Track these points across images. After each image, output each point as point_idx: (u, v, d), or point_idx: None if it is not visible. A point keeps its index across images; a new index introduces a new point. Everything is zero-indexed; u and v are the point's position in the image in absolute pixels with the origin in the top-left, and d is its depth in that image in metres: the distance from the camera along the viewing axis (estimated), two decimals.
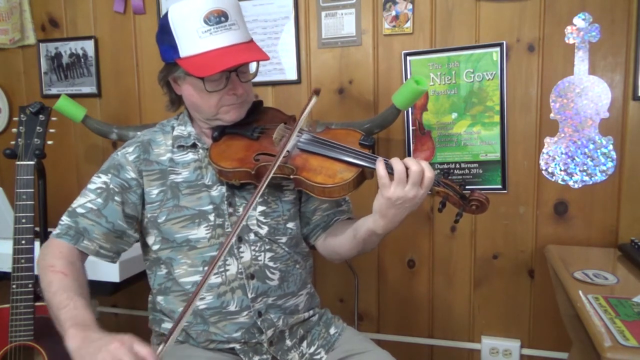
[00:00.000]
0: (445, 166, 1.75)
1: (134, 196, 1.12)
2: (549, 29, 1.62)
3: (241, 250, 1.13)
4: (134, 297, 2.07)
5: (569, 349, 1.63)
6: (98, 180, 1.13)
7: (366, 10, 1.76)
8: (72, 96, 1.90)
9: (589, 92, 1.60)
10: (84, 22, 2.07)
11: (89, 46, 2.06)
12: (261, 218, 1.16)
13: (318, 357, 1.19)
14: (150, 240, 1.15)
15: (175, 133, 1.18)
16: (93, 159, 2.14)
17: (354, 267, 1.87)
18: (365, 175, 1.04)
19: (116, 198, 1.10)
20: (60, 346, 1.33)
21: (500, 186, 1.71)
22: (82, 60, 2.08)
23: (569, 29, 1.60)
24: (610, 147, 1.60)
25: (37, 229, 1.47)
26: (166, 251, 1.14)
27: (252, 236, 1.14)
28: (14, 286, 1.32)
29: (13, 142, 1.39)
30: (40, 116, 1.41)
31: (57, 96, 1.79)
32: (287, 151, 1.06)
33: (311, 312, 1.26)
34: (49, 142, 1.45)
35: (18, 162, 1.38)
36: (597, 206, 1.64)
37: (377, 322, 1.92)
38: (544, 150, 1.66)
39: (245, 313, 1.12)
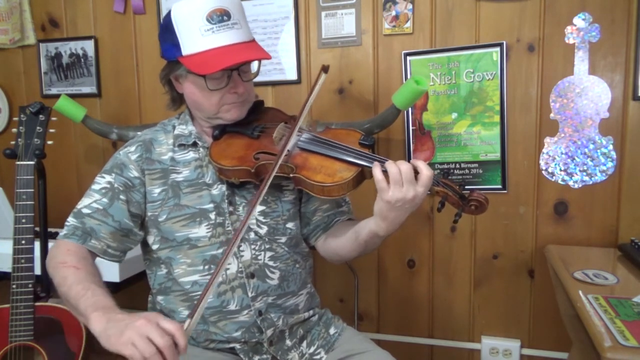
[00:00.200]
0: (446, 166, 1.75)
1: (137, 195, 1.13)
2: (549, 29, 1.62)
3: (241, 249, 1.13)
4: (134, 297, 2.06)
5: (569, 349, 1.63)
6: (102, 180, 1.13)
7: (366, 10, 1.76)
8: (72, 96, 1.90)
9: (589, 92, 1.60)
10: (84, 22, 2.07)
11: (89, 46, 2.06)
12: (260, 218, 1.16)
13: (318, 357, 1.19)
14: (150, 239, 1.15)
15: (176, 132, 1.19)
16: (93, 159, 2.14)
17: (354, 267, 1.87)
18: (364, 175, 1.04)
19: (121, 197, 1.11)
20: (60, 346, 1.34)
21: (500, 186, 1.71)
22: (82, 60, 2.08)
23: (569, 29, 1.60)
24: (610, 147, 1.60)
25: (37, 229, 1.47)
26: (165, 251, 1.14)
27: (252, 235, 1.14)
28: (14, 286, 1.32)
29: (13, 142, 1.39)
30: (40, 116, 1.41)
31: (57, 96, 1.79)
32: (288, 150, 1.06)
33: (311, 312, 1.26)
34: (49, 142, 1.45)
35: (18, 162, 1.38)
36: (597, 206, 1.64)
37: (377, 322, 1.92)
38: (544, 150, 1.66)
39: (245, 312, 1.12)
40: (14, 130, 1.41)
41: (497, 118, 1.68)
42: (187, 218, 1.12)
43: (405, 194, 0.95)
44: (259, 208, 1.16)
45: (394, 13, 1.73)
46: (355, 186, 1.03)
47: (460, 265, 1.80)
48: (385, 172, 0.96)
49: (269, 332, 1.14)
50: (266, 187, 0.99)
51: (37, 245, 1.43)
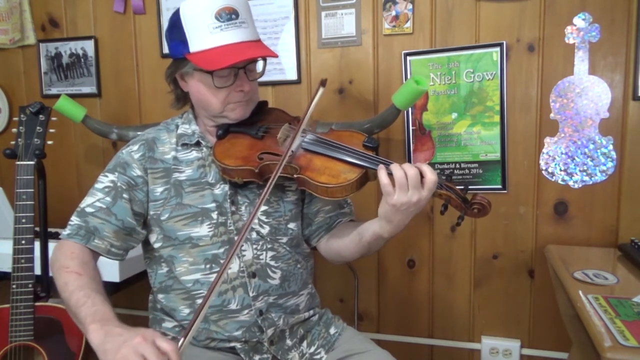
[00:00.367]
0: (446, 166, 1.75)
1: (140, 193, 1.13)
2: (549, 29, 1.62)
3: (243, 248, 1.13)
4: (134, 297, 2.06)
5: (569, 349, 1.63)
6: (105, 179, 1.13)
7: (366, 10, 1.76)
8: (72, 96, 1.90)
9: (589, 92, 1.60)
10: (84, 22, 2.07)
11: (89, 46, 2.06)
12: (263, 218, 1.16)
13: (318, 357, 1.20)
14: (152, 238, 1.16)
15: (179, 131, 1.19)
16: (93, 159, 2.14)
17: (354, 267, 1.87)
18: (368, 177, 1.04)
19: (124, 195, 1.11)
20: (60, 346, 1.34)
21: (500, 186, 1.71)
22: (82, 60, 2.08)
23: (569, 29, 1.60)
24: (610, 147, 1.60)
25: (37, 229, 1.47)
26: (167, 249, 1.14)
27: (254, 235, 1.15)
28: (14, 286, 1.32)
29: (13, 142, 1.39)
30: (40, 116, 1.41)
31: (57, 96, 1.79)
32: (292, 151, 1.06)
33: (311, 312, 1.26)
34: (49, 142, 1.45)
35: (18, 162, 1.38)
36: (597, 206, 1.64)
37: (377, 322, 1.92)
38: (544, 150, 1.66)
39: (246, 311, 1.12)
40: (14, 130, 1.41)
41: (497, 118, 1.68)
42: (189, 217, 1.12)
43: (410, 198, 0.96)
44: (262, 208, 1.16)
45: (394, 13, 1.73)
46: (359, 188, 1.04)
47: (460, 265, 1.80)
48: (390, 175, 0.97)
49: (270, 332, 1.14)
50: (271, 187, 1.00)
51: (37, 245, 1.43)
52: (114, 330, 0.85)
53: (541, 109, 1.65)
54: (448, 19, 1.70)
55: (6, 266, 1.47)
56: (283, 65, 1.86)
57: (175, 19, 1.08)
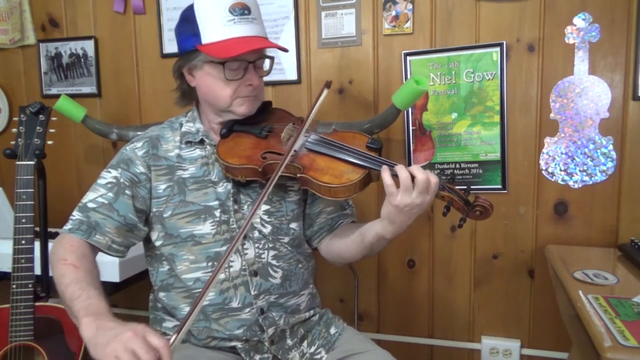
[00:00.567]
0: (446, 166, 1.75)
1: (143, 190, 1.13)
2: (549, 29, 1.62)
3: (245, 247, 1.14)
4: (134, 297, 2.07)
5: (569, 349, 1.63)
6: (108, 175, 1.13)
7: (366, 10, 1.76)
8: (72, 96, 1.90)
9: (589, 92, 1.60)
10: (84, 22, 2.07)
11: (89, 46, 2.06)
12: (265, 217, 1.17)
13: (318, 356, 1.20)
14: (154, 235, 1.16)
15: (183, 129, 1.20)
16: (93, 159, 2.13)
17: (354, 267, 1.87)
18: (371, 178, 1.05)
19: (127, 192, 1.11)
20: (60, 346, 1.34)
21: (500, 186, 1.71)
22: (82, 60, 2.08)
23: (569, 29, 1.60)
24: (610, 147, 1.60)
25: (37, 229, 1.47)
26: (169, 247, 1.14)
27: (256, 234, 1.15)
28: (14, 286, 1.32)
29: (13, 142, 1.39)
30: (40, 116, 1.41)
31: (57, 96, 1.79)
32: (295, 150, 1.07)
33: (312, 312, 1.26)
34: (49, 142, 1.45)
35: (18, 162, 1.38)
36: (597, 206, 1.64)
37: (377, 322, 1.92)
38: (544, 150, 1.66)
39: (247, 310, 1.13)
40: (14, 130, 1.41)
41: (497, 118, 1.68)
42: (192, 215, 1.13)
43: (414, 200, 0.97)
44: (264, 207, 1.17)
45: (394, 13, 1.73)
46: (361, 188, 1.04)
47: (460, 265, 1.80)
48: (394, 176, 0.97)
49: (270, 331, 1.14)
50: (272, 186, 1.00)
51: (37, 245, 1.43)
52: (107, 325, 0.85)
53: (541, 109, 1.65)
54: (448, 19, 1.70)
55: (6, 266, 1.47)
56: (283, 65, 1.86)
57: (189, 13, 1.11)
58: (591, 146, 1.62)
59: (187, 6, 1.12)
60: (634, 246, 1.47)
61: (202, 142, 1.18)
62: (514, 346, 1.76)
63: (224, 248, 1.12)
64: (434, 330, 1.87)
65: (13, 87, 2.20)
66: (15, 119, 1.41)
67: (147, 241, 1.19)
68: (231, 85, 1.11)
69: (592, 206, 1.64)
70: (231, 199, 1.14)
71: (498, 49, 1.65)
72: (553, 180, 1.67)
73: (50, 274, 1.04)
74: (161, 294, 1.18)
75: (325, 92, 1.07)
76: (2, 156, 1.41)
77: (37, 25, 2.13)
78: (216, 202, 1.13)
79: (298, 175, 1.07)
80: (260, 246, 1.15)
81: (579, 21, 1.59)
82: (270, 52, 1.18)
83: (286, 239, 1.19)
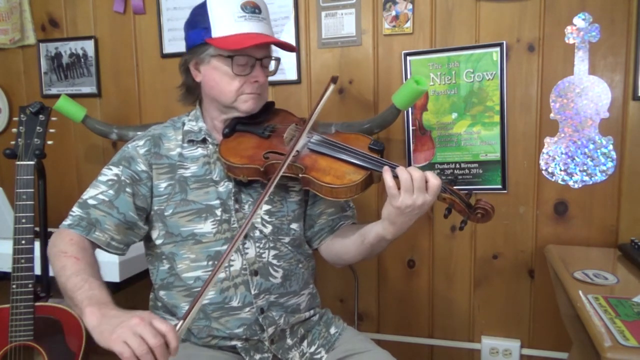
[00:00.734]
0: (446, 166, 1.75)
1: (144, 188, 1.13)
2: (549, 29, 1.62)
3: (246, 246, 1.14)
4: (134, 297, 2.06)
5: (569, 349, 1.63)
6: (109, 172, 1.14)
7: (366, 10, 1.76)
8: (72, 96, 1.90)
9: (589, 92, 1.60)
10: (84, 22, 2.07)
11: (89, 46, 2.06)
12: (266, 217, 1.17)
13: (318, 356, 1.20)
14: (155, 234, 1.16)
15: (186, 128, 1.20)
16: (93, 159, 2.13)
17: (354, 267, 1.87)
18: (373, 179, 1.05)
19: (127, 189, 1.11)
20: (60, 346, 1.34)
21: (500, 186, 1.71)
22: (82, 60, 2.08)
23: (569, 29, 1.60)
24: (610, 147, 1.60)
25: (37, 229, 1.47)
26: (169, 246, 1.14)
27: (257, 233, 1.16)
28: (14, 286, 1.32)
29: (13, 142, 1.39)
30: (40, 116, 1.41)
31: (57, 96, 1.79)
32: (297, 151, 1.07)
33: (312, 311, 1.26)
34: (49, 142, 1.45)
35: (18, 162, 1.38)
36: (597, 206, 1.64)
37: (377, 322, 1.92)
38: (544, 150, 1.66)
39: (247, 309, 1.13)
40: (14, 130, 1.41)
41: (497, 118, 1.68)
42: (193, 213, 1.13)
43: (415, 201, 0.97)
44: (265, 207, 1.17)
45: (394, 13, 1.73)
46: (363, 189, 1.04)
47: (460, 265, 1.80)
48: (396, 178, 0.97)
49: (270, 330, 1.15)
50: (273, 185, 1.00)
51: (37, 245, 1.43)
52: (111, 313, 0.85)
53: (541, 109, 1.65)
54: (448, 19, 1.70)
55: (6, 266, 1.47)
56: (283, 65, 1.85)
57: (200, 9, 1.13)
58: (591, 146, 1.62)
59: (200, 3, 1.14)
60: (634, 246, 1.47)
61: (204, 141, 1.18)
62: (514, 346, 1.76)
63: (225, 247, 1.12)
64: (434, 330, 1.87)
65: (13, 87, 2.20)
66: (15, 119, 1.41)
67: (148, 240, 1.19)
68: (237, 80, 1.12)
69: (592, 206, 1.64)
70: (232, 198, 1.14)
71: (498, 49, 1.65)
72: (553, 180, 1.67)
73: (50, 269, 1.04)
74: (161, 293, 1.18)
75: (332, 87, 1.06)
76: (2, 156, 1.41)
77: (37, 25, 2.12)
78: (217, 201, 1.14)
79: (300, 175, 1.07)
80: (261, 246, 1.15)
81: (579, 21, 1.59)
82: (275, 53, 1.19)
83: (287, 239, 1.19)
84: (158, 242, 1.16)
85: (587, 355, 1.40)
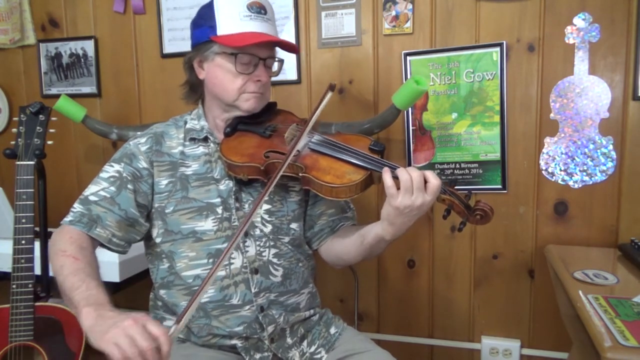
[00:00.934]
0: (446, 166, 1.75)
1: (145, 185, 1.14)
2: (549, 29, 1.62)
3: (246, 244, 1.14)
4: (134, 297, 2.06)
5: (569, 349, 1.63)
6: (111, 169, 1.14)
7: (366, 10, 1.76)
8: (72, 96, 1.90)
9: (589, 92, 1.60)
10: (84, 22, 2.07)
11: (89, 46, 2.06)
12: (266, 216, 1.17)
13: (318, 356, 1.20)
14: (154, 232, 1.16)
15: (187, 126, 1.21)
16: (93, 159, 2.13)
17: (354, 267, 1.87)
18: (373, 179, 1.05)
19: (129, 186, 1.12)
20: (60, 346, 1.34)
21: (500, 186, 1.71)
22: (82, 60, 2.08)
23: (569, 29, 1.60)
24: (610, 147, 1.60)
25: (37, 229, 1.47)
26: (168, 244, 1.15)
27: (257, 232, 1.16)
28: (14, 286, 1.32)
29: (13, 142, 1.39)
30: (40, 116, 1.41)
31: (57, 96, 1.79)
32: (298, 150, 1.08)
33: (312, 311, 1.26)
34: (49, 142, 1.45)
35: (18, 162, 1.38)
36: (597, 206, 1.64)
37: (377, 322, 1.92)
38: (544, 150, 1.66)
39: (247, 307, 1.13)
40: (14, 130, 1.41)
41: (497, 118, 1.68)
42: (194, 211, 1.13)
43: (414, 201, 0.98)
44: (265, 206, 1.17)
45: (394, 13, 1.73)
46: (363, 189, 1.05)
47: (460, 265, 1.80)
48: (395, 178, 0.97)
49: (270, 329, 1.15)
50: (273, 184, 1.01)
51: (37, 245, 1.43)
52: (106, 314, 0.85)
53: (541, 109, 1.65)
54: (448, 19, 1.70)
55: (6, 266, 1.47)
56: (283, 65, 1.85)
57: (207, 7, 1.15)
58: (591, 146, 1.62)
59: (207, 2, 1.16)
60: (634, 246, 1.47)
61: (206, 139, 1.19)
62: (514, 346, 1.76)
63: (225, 244, 1.12)
64: (434, 330, 1.87)
65: (13, 87, 2.20)
66: (15, 119, 1.41)
67: (148, 239, 1.20)
68: (240, 78, 1.13)
69: (592, 206, 1.64)
70: (233, 196, 1.15)
71: (498, 49, 1.65)
72: (553, 180, 1.67)
73: (50, 267, 1.04)
74: (162, 292, 1.18)
75: (329, 95, 1.07)
76: (2, 156, 1.41)
77: (37, 25, 2.13)
78: (218, 199, 1.14)
79: (300, 174, 1.07)
80: (262, 244, 1.16)
81: (579, 21, 1.59)
82: (279, 55, 1.20)
83: (286, 239, 1.19)
84: (157, 240, 1.16)
85: (587, 355, 1.40)
